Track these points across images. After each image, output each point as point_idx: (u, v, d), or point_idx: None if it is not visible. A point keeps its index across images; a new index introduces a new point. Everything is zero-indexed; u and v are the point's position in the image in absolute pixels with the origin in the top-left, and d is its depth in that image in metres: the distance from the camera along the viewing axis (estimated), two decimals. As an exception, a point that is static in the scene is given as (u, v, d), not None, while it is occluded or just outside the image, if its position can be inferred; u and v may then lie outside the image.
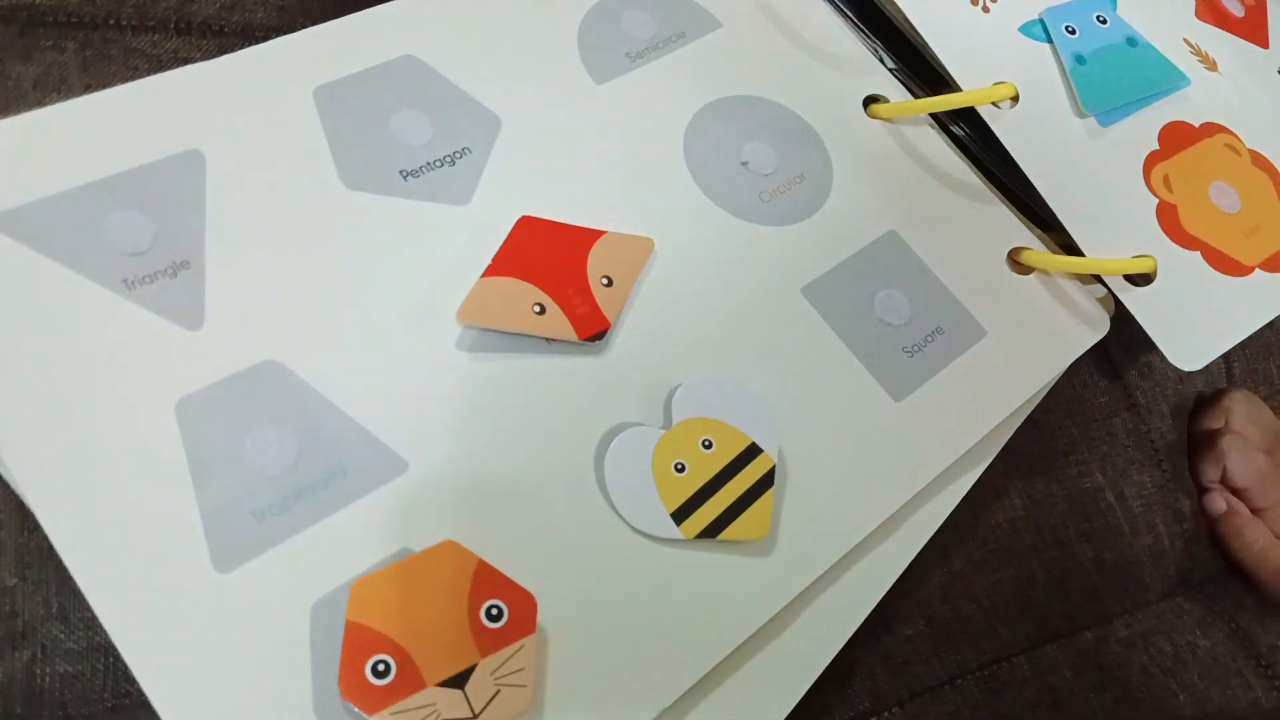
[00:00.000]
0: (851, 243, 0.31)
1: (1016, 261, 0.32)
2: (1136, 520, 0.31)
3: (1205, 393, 0.36)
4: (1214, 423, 0.35)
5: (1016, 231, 0.33)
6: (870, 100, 0.34)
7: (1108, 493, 0.31)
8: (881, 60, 0.35)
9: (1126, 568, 0.30)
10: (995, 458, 0.29)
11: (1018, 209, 0.33)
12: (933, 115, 0.34)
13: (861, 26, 0.35)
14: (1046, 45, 0.34)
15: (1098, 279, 0.32)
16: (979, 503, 0.29)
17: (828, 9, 0.35)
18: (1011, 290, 0.32)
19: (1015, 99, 0.32)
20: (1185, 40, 0.36)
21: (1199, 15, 0.37)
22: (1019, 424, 0.30)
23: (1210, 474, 0.34)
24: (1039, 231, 0.33)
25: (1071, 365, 0.31)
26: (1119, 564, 0.30)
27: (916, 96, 0.34)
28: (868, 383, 0.29)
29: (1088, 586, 0.29)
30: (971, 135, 0.34)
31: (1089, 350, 0.32)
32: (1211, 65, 0.36)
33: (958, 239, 0.32)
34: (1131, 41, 0.34)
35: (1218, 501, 0.33)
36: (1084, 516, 0.30)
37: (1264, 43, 0.38)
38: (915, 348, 0.30)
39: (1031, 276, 0.32)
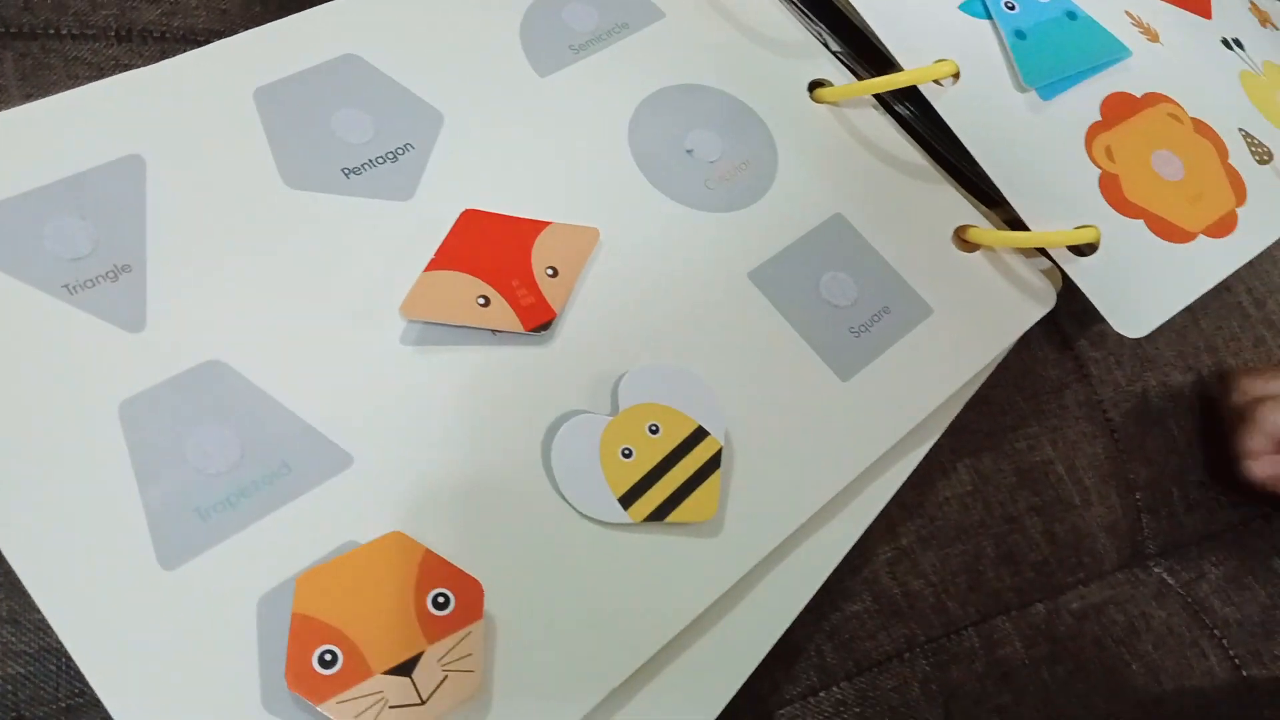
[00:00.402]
0: (797, 227, 0.31)
1: (962, 239, 0.32)
2: (1088, 492, 0.32)
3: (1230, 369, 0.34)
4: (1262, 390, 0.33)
5: (962, 209, 0.33)
6: (815, 85, 0.34)
7: (1058, 465, 0.31)
8: (826, 44, 0.35)
9: (1078, 540, 0.31)
10: (943, 435, 0.30)
11: (964, 187, 0.34)
12: (878, 96, 0.34)
13: (805, 10, 0.35)
14: (987, 22, 0.34)
15: (1043, 252, 0.32)
16: (926, 480, 0.29)
17: (773, -4, 0.35)
18: (957, 267, 0.32)
19: (957, 76, 0.32)
20: (1127, 12, 0.36)
21: (1143, -12, 0.38)
22: (967, 400, 0.30)
23: (1255, 444, 0.33)
24: (985, 209, 0.33)
25: (1021, 339, 0.32)
26: (1070, 536, 0.31)
27: (861, 79, 0.35)
28: (815, 363, 0.29)
29: (1038, 559, 0.30)
30: (917, 115, 0.34)
31: (1039, 323, 0.32)
32: (1153, 36, 0.36)
33: (903, 219, 0.32)
34: (1072, 15, 0.35)
35: (1264, 466, 0.32)
36: (1033, 490, 0.31)
37: (1206, 13, 0.39)
38: (862, 328, 0.30)
39: (977, 253, 0.32)
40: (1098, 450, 0.32)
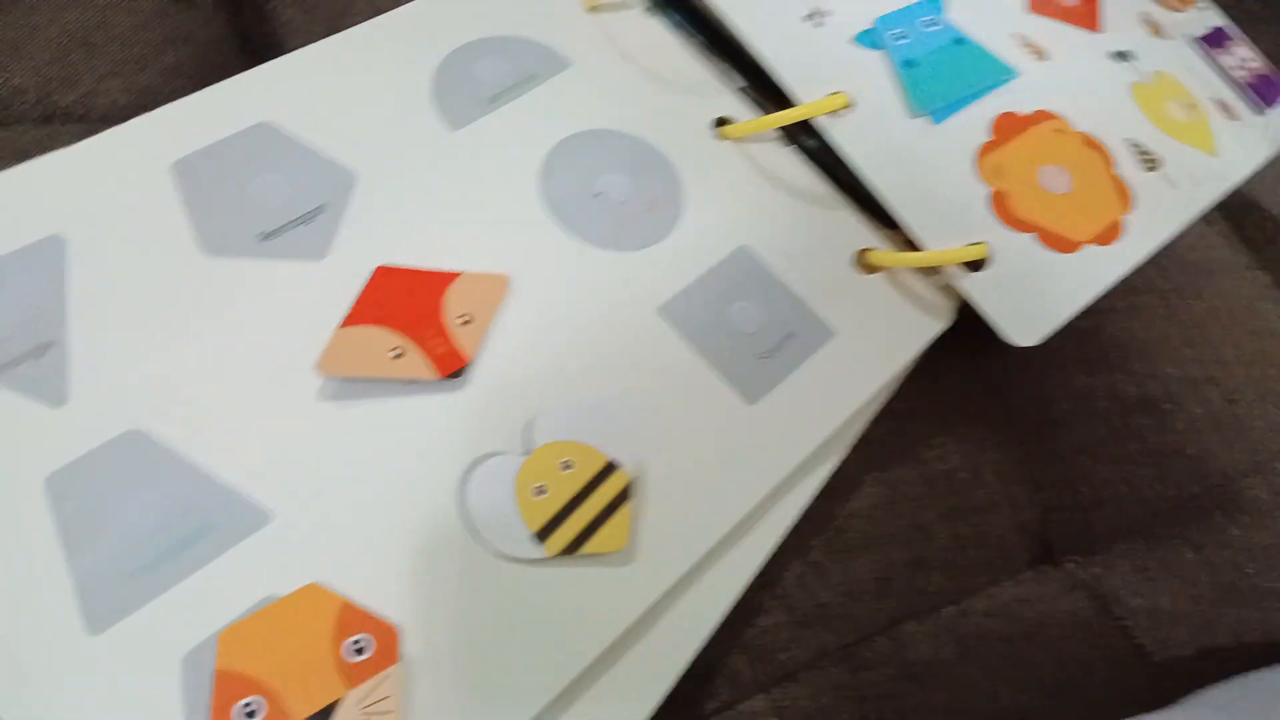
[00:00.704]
0: (704, 260, 0.33)
1: (864, 262, 0.34)
2: (996, 496, 0.33)
3: None
4: None
5: (862, 233, 0.34)
6: (721, 122, 0.36)
7: (965, 472, 0.33)
8: (732, 81, 0.37)
9: (986, 543, 0.32)
10: (851, 449, 0.31)
11: (869, 212, 0.35)
12: (783, 129, 0.36)
13: (709, 49, 0.37)
14: (879, 52, 0.35)
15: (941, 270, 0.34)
16: (836, 494, 0.31)
17: (676, 37, 0.37)
18: (859, 290, 0.33)
19: (851, 107, 0.34)
20: (1015, 34, 0.38)
21: (1033, 8, 0.39)
22: (873, 415, 0.32)
23: None
24: (888, 231, 0.35)
25: (928, 351, 0.33)
26: (978, 540, 0.32)
27: (767, 113, 0.36)
28: (723, 390, 0.30)
29: (946, 564, 0.31)
30: (822, 145, 0.36)
31: (946, 335, 0.33)
32: (1041, 55, 0.38)
33: (806, 247, 0.34)
34: (959, 42, 0.36)
35: None
36: (941, 498, 0.32)
37: (1095, 26, 0.40)
38: (768, 353, 0.31)
39: (878, 275, 0.34)
40: (1004, 455, 0.34)
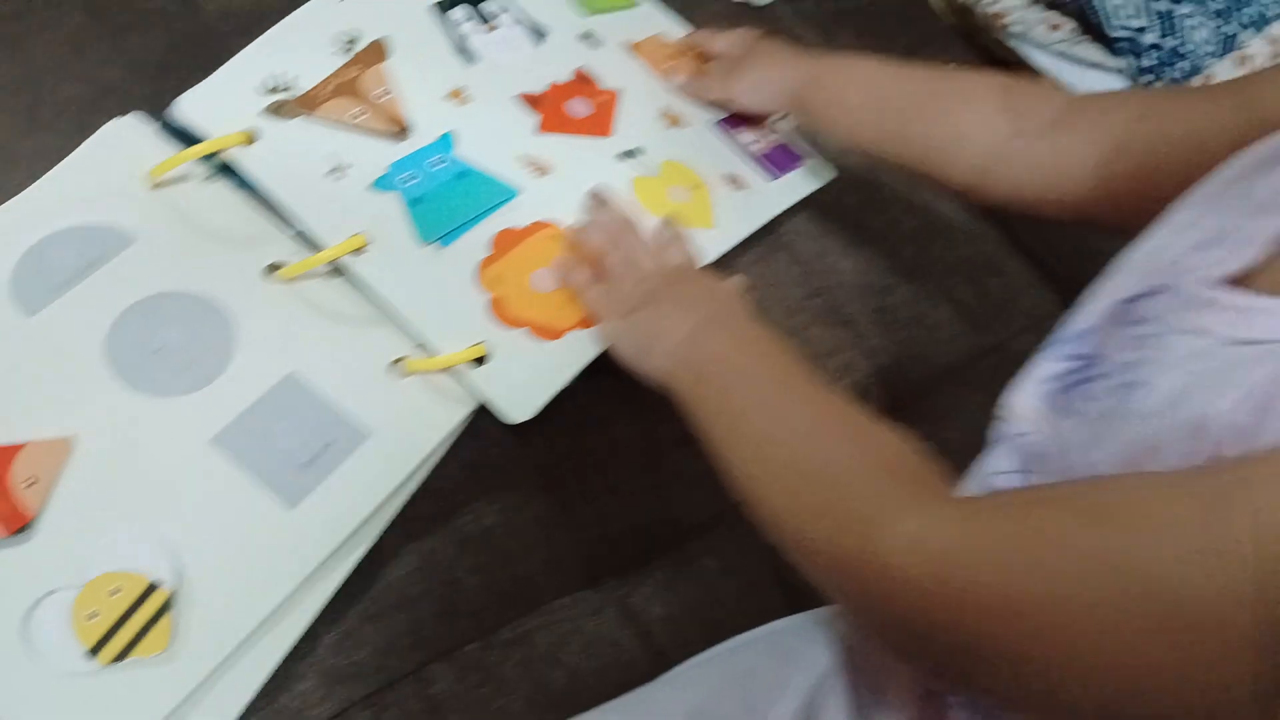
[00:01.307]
0: (254, 391, 0.39)
1: (400, 369, 0.41)
2: (531, 542, 0.41)
3: None
4: None
5: (398, 343, 0.42)
6: (274, 267, 0.42)
7: (501, 529, 0.40)
8: (289, 228, 0.43)
9: (519, 584, 0.40)
10: (391, 527, 0.38)
11: (410, 321, 0.42)
12: (335, 261, 0.43)
13: (270, 201, 0.44)
14: (393, 194, 0.43)
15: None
16: (374, 568, 0.38)
17: (238, 196, 0.44)
18: (394, 393, 0.41)
19: (369, 245, 0.41)
20: (521, 157, 0.46)
21: (544, 129, 0.48)
22: (410, 496, 0.39)
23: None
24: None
25: (474, 434, 0.41)
26: (511, 583, 0.40)
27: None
28: (266, 500, 0.37)
29: (476, 609, 0.39)
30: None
31: (488, 415, 0.41)
32: (544, 171, 0.46)
33: (349, 363, 0.41)
34: (464, 174, 0.44)
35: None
36: (474, 554, 0.40)
37: (607, 132, 0.49)
38: (308, 462, 0.38)
39: (413, 377, 0.41)
40: (541, 508, 0.42)
